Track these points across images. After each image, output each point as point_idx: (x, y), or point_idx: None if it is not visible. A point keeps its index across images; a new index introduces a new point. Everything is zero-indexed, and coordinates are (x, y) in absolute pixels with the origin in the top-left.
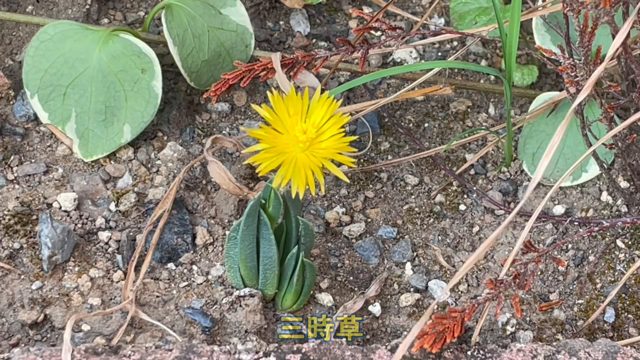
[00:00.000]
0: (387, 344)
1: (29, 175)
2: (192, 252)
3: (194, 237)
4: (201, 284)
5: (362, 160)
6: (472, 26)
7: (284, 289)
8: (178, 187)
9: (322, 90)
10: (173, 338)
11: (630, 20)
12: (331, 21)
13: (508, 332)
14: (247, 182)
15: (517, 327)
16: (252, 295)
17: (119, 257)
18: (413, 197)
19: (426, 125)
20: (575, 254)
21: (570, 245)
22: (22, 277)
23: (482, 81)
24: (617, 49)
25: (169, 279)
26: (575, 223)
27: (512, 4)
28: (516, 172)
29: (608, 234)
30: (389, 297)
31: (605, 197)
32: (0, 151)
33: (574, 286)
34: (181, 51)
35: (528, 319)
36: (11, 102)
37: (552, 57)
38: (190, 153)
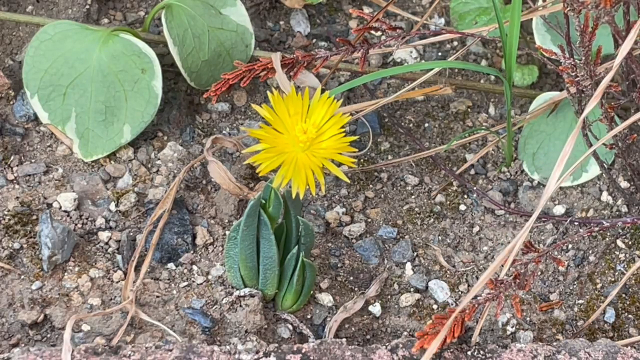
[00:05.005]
0: (387, 344)
1: (29, 175)
2: (192, 252)
3: (194, 237)
4: (201, 284)
5: (362, 160)
6: (472, 26)
7: (284, 289)
8: (178, 187)
9: (323, 90)
10: (173, 338)
11: (636, 30)
12: (331, 21)
13: (508, 332)
14: (247, 182)
15: (518, 327)
16: (252, 296)
17: (119, 257)
18: (413, 197)
19: (426, 125)
20: (575, 254)
21: (570, 246)
22: (22, 277)
23: (482, 81)
24: (624, 56)
25: (169, 279)
26: (576, 223)
27: (512, 4)
28: (516, 172)
29: (608, 234)
30: (389, 297)
31: (605, 197)
32: (0, 151)
33: (574, 286)
34: (181, 51)
35: (528, 319)
36: (11, 102)
37: (553, 57)
38: (190, 153)
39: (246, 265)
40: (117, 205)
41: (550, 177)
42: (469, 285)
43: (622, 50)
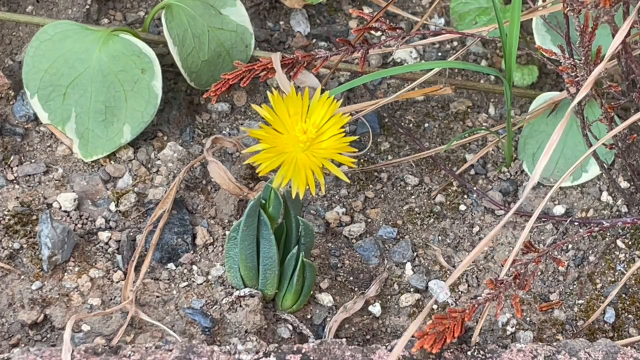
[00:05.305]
0: (387, 344)
1: (29, 175)
2: (192, 252)
3: (194, 237)
4: (201, 284)
5: (362, 160)
6: (472, 26)
7: (284, 289)
8: (178, 187)
9: (322, 90)
10: (173, 338)
11: (630, 20)
12: (331, 21)
13: (508, 333)
14: (247, 182)
15: (517, 327)
16: (252, 296)
17: (119, 257)
18: (413, 197)
19: (426, 125)
20: (575, 254)
21: (570, 246)
22: (22, 277)
23: (482, 81)
24: (617, 47)
25: (169, 279)
26: (576, 223)
27: (512, 4)
28: (516, 172)
29: (608, 234)
30: (389, 297)
31: (605, 197)
32: (0, 151)
33: (574, 286)
34: (181, 51)
35: (528, 319)
36: (11, 102)
37: (553, 57)
38: (190, 153)
39: (246, 265)
40: (117, 205)
41: (536, 166)
42: (469, 285)
43: (615, 40)
